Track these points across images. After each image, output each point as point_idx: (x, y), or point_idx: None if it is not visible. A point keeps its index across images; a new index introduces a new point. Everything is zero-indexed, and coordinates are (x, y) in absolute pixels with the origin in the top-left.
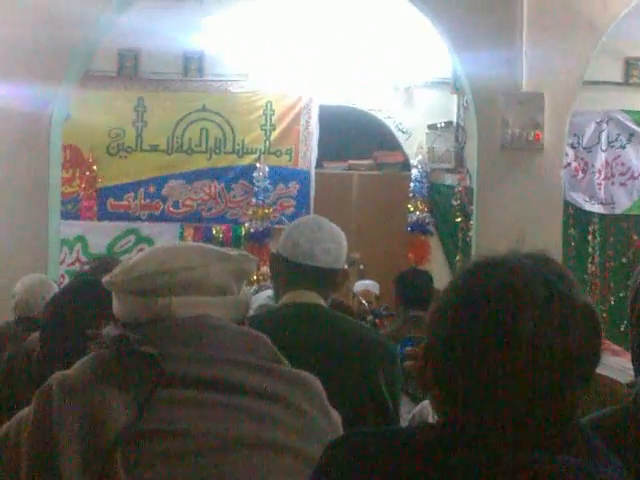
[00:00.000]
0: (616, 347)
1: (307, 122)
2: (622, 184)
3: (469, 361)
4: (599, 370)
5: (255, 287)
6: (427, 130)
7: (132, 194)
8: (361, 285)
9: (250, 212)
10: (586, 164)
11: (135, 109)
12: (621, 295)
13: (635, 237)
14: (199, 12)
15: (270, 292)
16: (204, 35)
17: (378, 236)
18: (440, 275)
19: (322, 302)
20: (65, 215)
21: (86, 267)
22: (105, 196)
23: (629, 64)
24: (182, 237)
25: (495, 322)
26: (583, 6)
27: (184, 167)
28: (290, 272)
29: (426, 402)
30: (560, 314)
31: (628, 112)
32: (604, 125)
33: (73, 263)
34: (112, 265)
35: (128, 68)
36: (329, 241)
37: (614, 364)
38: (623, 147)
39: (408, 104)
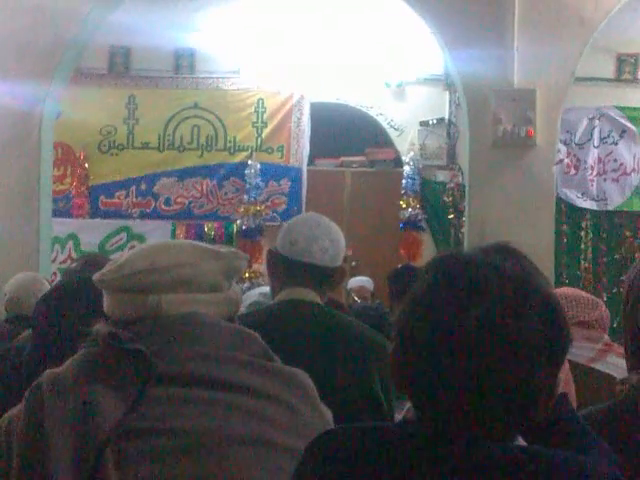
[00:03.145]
0: (622, 350)
1: (299, 119)
2: (614, 180)
3: (426, 353)
4: (605, 369)
5: (247, 285)
6: (419, 127)
7: (124, 192)
8: (356, 282)
9: (242, 209)
10: (578, 160)
11: (126, 106)
12: (614, 291)
13: (628, 233)
14: (190, 9)
15: (262, 289)
16: (195, 32)
17: (370, 233)
18: None
19: (319, 300)
20: (57, 213)
21: (74, 265)
22: (97, 194)
23: (621, 60)
24: (174, 234)
25: (446, 311)
26: (574, 2)
27: (176, 164)
28: (287, 269)
29: None
30: (513, 300)
31: (620, 108)
32: (596, 121)
33: (65, 261)
34: (101, 263)
35: (119, 65)
36: (327, 239)
37: (620, 365)
38: (615, 143)
39: (400, 101)
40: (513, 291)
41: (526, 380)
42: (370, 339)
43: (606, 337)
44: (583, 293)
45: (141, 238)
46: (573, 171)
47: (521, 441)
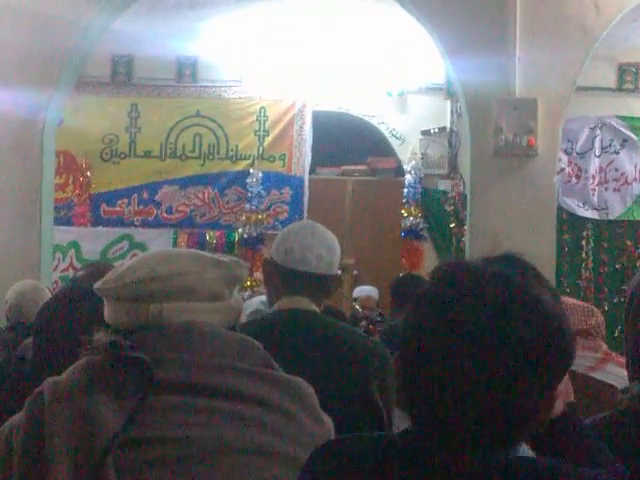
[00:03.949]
0: (622, 359)
1: (301, 128)
2: (616, 190)
3: (427, 361)
4: (605, 378)
5: (248, 293)
6: (420, 136)
7: (125, 200)
8: (362, 291)
9: (243, 218)
10: (580, 170)
11: (129, 115)
12: (615, 301)
13: (629, 243)
14: (192, 18)
15: (263, 298)
16: (198, 41)
17: (372, 241)
18: None
19: (315, 308)
20: (58, 221)
21: (79, 273)
22: (98, 202)
23: (622, 70)
24: (175, 243)
25: (447, 321)
26: (576, 12)
27: (178, 173)
28: (283, 278)
29: None
30: (515, 309)
31: (622, 118)
32: (598, 131)
33: (67, 269)
34: (105, 271)
35: (122, 74)
36: (322, 247)
37: (620, 374)
38: (617, 153)
39: (401, 110)
40: (518, 301)
41: (527, 389)
42: (368, 347)
43: (605, 346)
44: (578, 301)
45: (143, 246)
46: (574, 180)
47: (529, 451)
